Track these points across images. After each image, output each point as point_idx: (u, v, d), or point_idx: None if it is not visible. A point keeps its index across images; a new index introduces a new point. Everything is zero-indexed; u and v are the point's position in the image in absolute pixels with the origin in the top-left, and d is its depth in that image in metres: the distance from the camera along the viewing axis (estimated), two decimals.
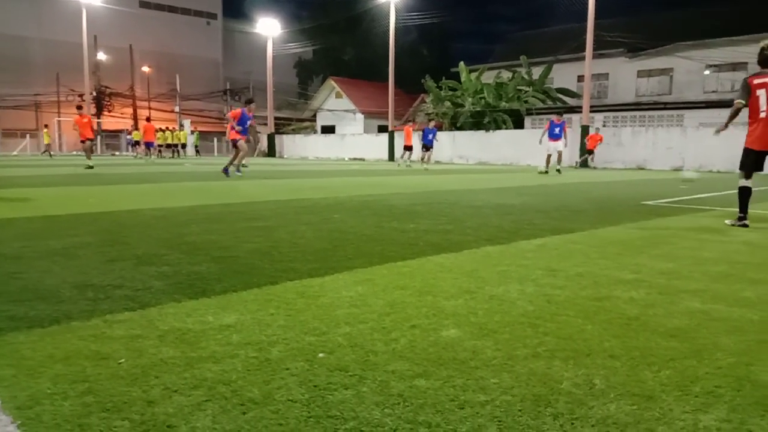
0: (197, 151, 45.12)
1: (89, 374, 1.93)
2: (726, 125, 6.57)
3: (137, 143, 37.55)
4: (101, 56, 52.72)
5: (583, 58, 28.14)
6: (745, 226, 6.00)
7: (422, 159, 23.51)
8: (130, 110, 53.25)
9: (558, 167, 18.58)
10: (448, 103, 37.68)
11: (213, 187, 10.98)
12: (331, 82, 52.21)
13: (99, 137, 48.22)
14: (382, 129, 43.46)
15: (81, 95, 44.64)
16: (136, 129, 38.70)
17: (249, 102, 14.96)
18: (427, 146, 23.04)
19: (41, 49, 56.49)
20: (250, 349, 2.19)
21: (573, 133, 22.01)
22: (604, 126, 31.85)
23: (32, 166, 20.38)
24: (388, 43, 36.64)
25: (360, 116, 49.00)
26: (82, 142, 19.42)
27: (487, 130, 34.29)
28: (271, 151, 45.20)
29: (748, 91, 6.12)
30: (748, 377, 2.01)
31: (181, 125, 49.01)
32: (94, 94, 49.74)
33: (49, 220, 5.87)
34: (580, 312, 2.77)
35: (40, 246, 4.27)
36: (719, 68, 33.43)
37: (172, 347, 2.19)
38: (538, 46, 39.60)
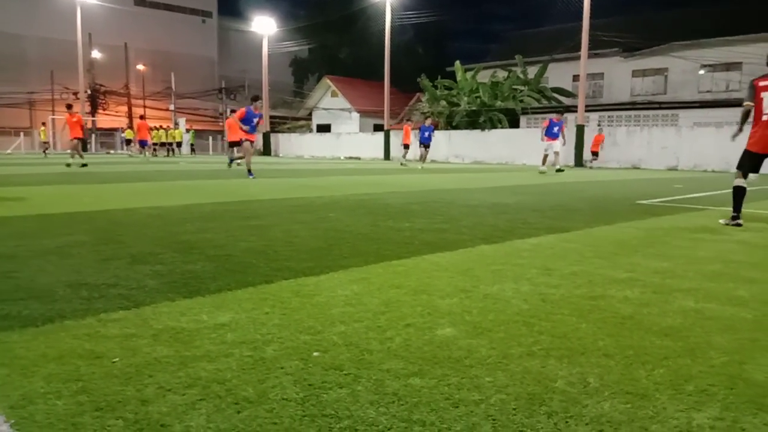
0: (192, 150, 45.00)
1: (83, 373, 1.92)
2: (740, 129, 6.54)
3: (129, 142, 37.36)
4: (96, 54, 52.48)
5: (578, 58, 28.19)
6: (739, 225, 6.03)
7: (420, 158, 23.40)
8: (125, 108, 53.06)
9: (558, 167, 18.54)
10: (443, 102, 37.71)
11: (208, 186, 10.96)
12: (327, 81, 52.17)
13: (94, 135, 48.01)
14: (377, 128, 43.44)
15: (75, 93, 44.48)
16: (130, 127, 38.47)
17: (255, 99, 14.42)
18: (424, 144, 22.97)
19: (36, 47, 56.20)
20: (245, 348, 2.19)
21: (568, 132, 21.96)
22: (599, 125, 31.90)
23: (27, 165, 20.29)
24: (383, 41, 36.61)
25: (356, 115, 48.97)
26: (72, 140, 19.28)
27: (483, 129, 34.33)
28: (266, 150, 45.12)
29: (753, 92, 6.11)
30: (741, 376, 2.02)
31: (176, 123, 48.89)
32: (89, 92, 49.53)
33: (44, 218, 5.85)
34: (574, 311, 2.78)
35: (34, 245, 4.25)
36: (714, 68, 33.54)
37: (166, 346, 2.19)
38: (533, 46, 39.65)
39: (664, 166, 26.39)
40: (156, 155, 35.53)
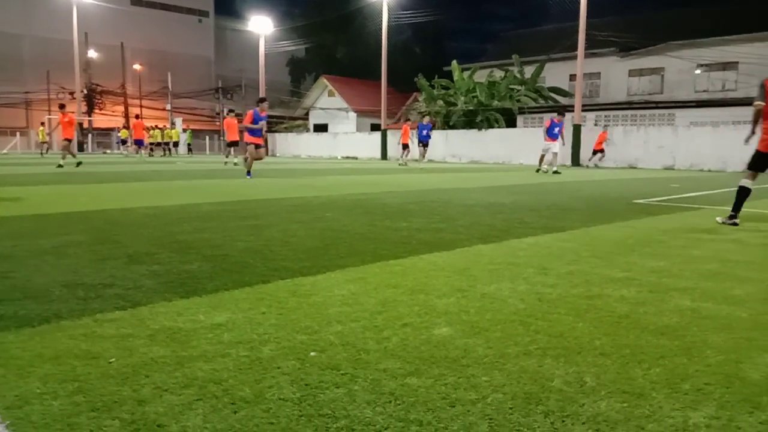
0: (190, 150, 44.94)
1: (79, 374, 1.92)
2: (753, 131, 6.45)
3: (125, 142, 37.23)
4: (92, 54, 52.32)
5: (575, 58, 28.21)
6: (735, 224, 6.04)
7: (420, 156, 23.30)
8: (121, 108, 52.95)
9: (555, 168, 18.52)
10: (440, 102, 37.73)
11: (205, 186, 10.95)
12: (324, 81, 52.14)
13: (90, 135, 47.87)
14: (374, 127, 43.43)
15: (72, 93, 44.34)
16: (125, 127, 38.28)
17: (261, 101, 14.04)
18: (423, 143, 22.89)
19: (31, 47, 56.09)
20: (242, 348, 2.19)
21: (565, 132, 21.94)
22: (595, 125, 31.97)
23: (23, 165, 20.23)
24: (380, 41, 36.61)
25: (352, 115, 48.96)
26: (64, 140, 19.10)
27: (480, 128, 34.35)
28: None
29: (764, 92, 6.08)
30: (737, 374, 2.02)
31: (173, 123, 48.78)
32: (85, 92, 49.40)
33: (40, 218, 5.83)
34: (571, 310, 2.79)
35: (30, 245, 4.24)
36: (710, 68, 33.62)
37: (162, 346, 2.19)
38: (530, 45, 39.71)
39: (661, 166, 26.44)
40: (152, 155, 35.45)
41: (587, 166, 26.46)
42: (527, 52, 37.84)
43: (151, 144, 36.14)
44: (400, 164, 24.49)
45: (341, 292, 3.03)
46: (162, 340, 2.25)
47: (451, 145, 34.69)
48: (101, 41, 53.50)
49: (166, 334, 2.33)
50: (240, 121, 17.54)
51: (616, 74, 37.58)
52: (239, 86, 54.64)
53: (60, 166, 17.24)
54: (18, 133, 46.83)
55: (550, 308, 2.81)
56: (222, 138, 48.48)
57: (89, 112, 50.54)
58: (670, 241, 5.03)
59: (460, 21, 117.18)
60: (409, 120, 29.17)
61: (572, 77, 33.51)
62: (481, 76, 37.59)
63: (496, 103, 34.99)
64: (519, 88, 36.15)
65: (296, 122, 54.85)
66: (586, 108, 31.20)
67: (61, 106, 19.31)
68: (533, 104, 35.62)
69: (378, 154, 37.71)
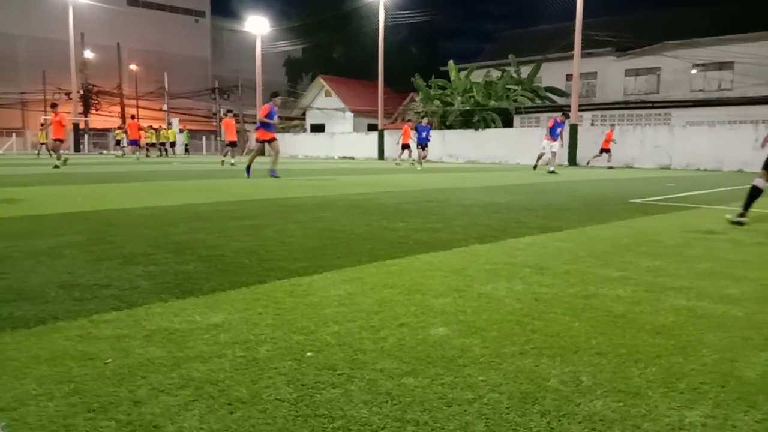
0: (186, 150, 44.84)
1: (75, 375, 1.91)
2: None
3: (119, 142, 37.08)
4: (88, 54, 52.17)
5: (571, 57, 28.28)
6: (741, 224, 5.96)
7: (419, 158, 23.22)
8: (118, 108, 52.83)
9: (552, 168, 18.54)
10: (437, 102, 37.74)
11: (201, 186, 10.93)
12: (321, 81, 52.11)
13: (86, 136, 47.73)
14: (371, 128, 43.42)
15: (68, 93, 44.23)
16: (120, 128, 38.12)
17: (274, 95, 13.69)
18: (422, 145, 22.78)
19: (28, 47, 55.92)
20: (238, 348, 2.19)
21: (564, 133, 21.93)
22: (592, 125, 32.02)
23: (19, 165, 20.17)
24: (377, 41, 36.61)
25: (349, 115, 48.95)
26: (54, 141, 18.82)
27: (477, 128, 34.40)
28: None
29: None
30: (733, 373, 2.03)
31: (170, 123, 48.69)
32: (82, 92, 49.27)
33: (36, 219, 5.81)
34: (567, 310, 2.79)
35: (26, 246, 4.23)
36: (706, 67, 33.72)
37: (159, 347, 2.18)
38: (527, 45, 39.76)
39: (657, 165, 26.49)
40: (148, 155, 35.35)
41: (608, 167, 25.81)
42: (524, 52, 37.90)
43: (147, 144, 36.03)
44: (396, 164, 24.46)
45: (338, 293, 3.03)
46: (158, 341, 2.25)
47: (448, 145, 34.72)
48: (97, 41, 53.38)
49: (163, 334, 2.32)
50: (238, 122, 17.45)
51: (613, 74, 37.67)
52: (236, 86, 54.63)
53: (56, 167, 17.05)
54: (14, 134, 46.65)
55: (546, 308, 2.81)
56: (219, 138, 48.44)
57: (86, 112, 50.41)
58: (666, 240, 5.04)
59: (457, 21, 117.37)
60: (409, 120, 29.11)
61: (569, 77, 33.54)
62: (478, 76, 37.62)
63: (492, 103, 35.04)
64: (516, 88, 36.22)
65: (293, 122, 54.81)
66: (582, 108, 31.27)
67: (53, 105, 19.06)
68: (530, 104, 35.66)
69: (375, 154, 37.72)
